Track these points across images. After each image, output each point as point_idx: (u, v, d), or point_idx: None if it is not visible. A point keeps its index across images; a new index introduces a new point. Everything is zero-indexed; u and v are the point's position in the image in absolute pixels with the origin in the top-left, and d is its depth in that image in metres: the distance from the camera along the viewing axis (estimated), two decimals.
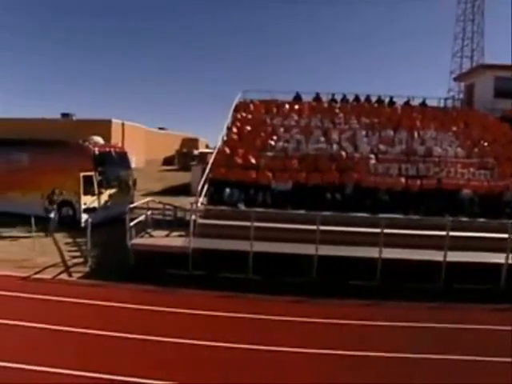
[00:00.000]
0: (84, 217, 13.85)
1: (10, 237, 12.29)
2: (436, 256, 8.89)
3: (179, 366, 5.51)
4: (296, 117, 15.88)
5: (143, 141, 52.65)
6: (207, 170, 11.44)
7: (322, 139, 13.74)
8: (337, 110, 16.76)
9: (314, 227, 9.16)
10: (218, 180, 11.21)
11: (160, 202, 12.68)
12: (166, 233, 10.36)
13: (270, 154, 12.44)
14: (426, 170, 12.00)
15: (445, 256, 8.83)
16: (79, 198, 13.84)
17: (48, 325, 6.49)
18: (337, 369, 5.56)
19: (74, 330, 6.37)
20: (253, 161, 11.85)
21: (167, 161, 54.39)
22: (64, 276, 9.21)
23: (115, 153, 15.95)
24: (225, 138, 13.72)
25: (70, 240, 12.34)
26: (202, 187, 10.73)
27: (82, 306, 7.49)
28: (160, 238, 9.97)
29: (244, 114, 15.85)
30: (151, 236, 10.17)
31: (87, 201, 14.00)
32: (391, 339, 6.50)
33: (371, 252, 8.88)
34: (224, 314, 7.18)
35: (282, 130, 14.35)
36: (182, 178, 30.64)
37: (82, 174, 13.81)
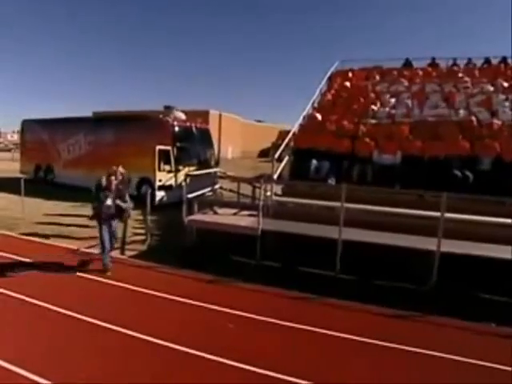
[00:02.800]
0: (159, 195, 12.86)
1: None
2: None
3: None
4: (406, 83, 12.75)
5: (240, 132, 52.63)
6: (289, 137, 9.21)
7: (443, 104, 10.48)
8: (460, 74, 13.18)
9: (433, 214, 6.36)
10: (302, 150, 8.89)
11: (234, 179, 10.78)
12: (233, 211, 8.40)
13: (371, 121, 9.68)
14: None
15: None
16: (154, 174, 12.83)
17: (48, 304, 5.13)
18: None
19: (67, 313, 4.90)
20: (350, 126, 9.24)
21: (263, 153, 53.39)
22: (115, 253, 7.89)
23: (196, 129, 14.66)
24: (316, 105, 11.29)
25: (141, 217, 11.31)
26: (280, 156, 8.52)
27: (111, 290, 5.98)
28: (225, 216, 8.04)
29: (341, 81, 13.22)
30: (215, 213, 8.32)
31: (163, 178, 12.91)
32: None
33: None
34: (310, 328, 4.91)
35: (387, 96, 11.41)
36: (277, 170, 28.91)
37: (157, 148, 12.77)
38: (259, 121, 61.32)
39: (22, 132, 19.55)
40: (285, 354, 4.31)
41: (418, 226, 6.72)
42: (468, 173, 7.88)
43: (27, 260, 7.10)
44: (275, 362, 4.11)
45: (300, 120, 9.91)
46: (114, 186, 6.57)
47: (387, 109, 10.38)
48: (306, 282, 6.48)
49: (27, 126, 19.11)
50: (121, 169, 7.35)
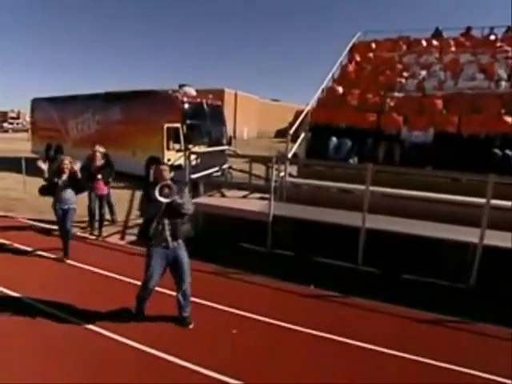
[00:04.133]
0: None
1: None
2: None
3: None
4: (437, 53, 11.53)
5: (256, 112, 51.39)
6: (306, 111, 8.30)
7: (480, 76, 9.33)
8: (499, 44, 11.85)
9: (472, 200, 5.47)
10: (320, 126, 8.00)
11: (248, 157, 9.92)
12: (243, 194, 7.64)
13: (399, 94, 8.66)
14: None
15: None
16: (162, 153, 12.16)
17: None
18: None
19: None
20: (375, 100, 8.26)
21: (280, 133, 52.04)
22: (113, 238, 7.29)
23: (207, 105, 13.81)
24: (335, 77, 10.27)
25: None
26: (295, 134, 7.64)
27: (91, 277, 5.36)
28: (234, 200, 7.30)
29: (363, 52, 12.08)
30: (223, 196, 7.58)
31: (171, 157, 12.19)
32: None
33: None
34: (331, 337, 4.14)
35: (416, 67, 10.29)
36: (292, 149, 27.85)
37: (165, 126, 12.05)
38: (276, 100, 59.79)
39: (33, 111, 19.10)
40: (305, 370, 3.59)
41: (452, 214, 5.84)
42: (510, 153, 6.89)
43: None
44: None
45: (318, 93, 8.95)
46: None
47: (415, 81, 9.30)
48: (323, 274, 5.72)
49: (37, 104, 18.62)
50: (100, 148, 7.30)
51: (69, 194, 5.95)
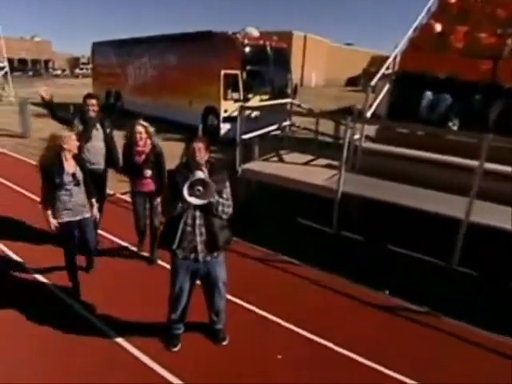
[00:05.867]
0: (224, 127, 11.16)
1: None
2: None
3: None
4: None
5: (325, 57, 47.61)
6: (392, 56, 6.50)
7: None
8: None
9: None
10: (411, 76, 6.18)
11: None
12: (306, 159, 6.30)
13: None
14: None
15: None
16: (219, 103, 11.02)
17: None
18: None
19: None
20: (489, 41, 6.19)
21: (351, 81, 47.97)
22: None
23: (271, 49, 12.10)
24: (432, 10, 8.04)
25: None
26: (376, 85, 5.97)
27: None
28: (294, 167, 6.00)
29: None
30: (280, 161, 6.31)
31: (229, 107, 11.02)
32: None
33: None
34: None
35: None
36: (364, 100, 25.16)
37: (223, 72, 10.76)
38: (349, 44, 54.87)
39: (93, 55, 18.64)
40: None
41: None
42: None
43: None
44: None
45: (410, 32, 6.98)
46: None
47: None
48: (401, 271, 4.43)
49: (97, 48, 18.08)
50: (146, 127, 4.08)
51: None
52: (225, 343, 3.21)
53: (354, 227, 5.23)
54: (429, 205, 4.49)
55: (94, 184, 3.85)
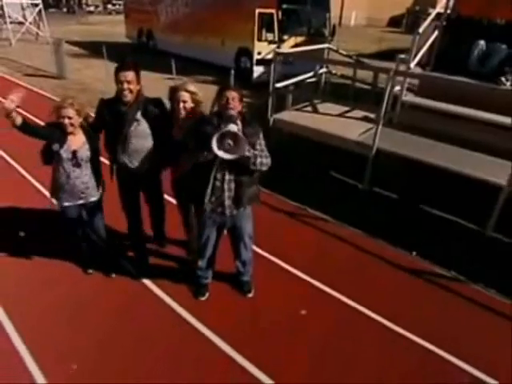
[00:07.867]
0: (257, 70, 10.78)
1: None
2: None
3: None
4: None
5: None
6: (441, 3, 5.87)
7: None
8: None
9: None
10: (464, 21, 5.61)
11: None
12: (341, 110, 6.03)
13: None
14: None
15: None
16: (252, 44, 10.53)
17: None
18: None
19: None
20: None
21: (394, 21, 44.26)
22: None
23: None
24: None
25: None
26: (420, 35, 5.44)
27: None
28: (328, 118, 5.77)
29: None
30: (314, 111, 6.07)
31: (262, 49, 10.54)
32: None
33: None
34: None
35: None
36: (407, 42, 23.28)
37: (257, 11, 10.16)
38: None
39: None
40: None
41: None
42: None
43: None
44: None
45: None
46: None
47: None
48: (433, 233, 4.35)
49: None
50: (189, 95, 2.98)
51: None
52: (250, 295, 3.33)
53: (386, 183, 5.11)
54: (470, 169, 4.27)
55: (146, 191, 3.30)
